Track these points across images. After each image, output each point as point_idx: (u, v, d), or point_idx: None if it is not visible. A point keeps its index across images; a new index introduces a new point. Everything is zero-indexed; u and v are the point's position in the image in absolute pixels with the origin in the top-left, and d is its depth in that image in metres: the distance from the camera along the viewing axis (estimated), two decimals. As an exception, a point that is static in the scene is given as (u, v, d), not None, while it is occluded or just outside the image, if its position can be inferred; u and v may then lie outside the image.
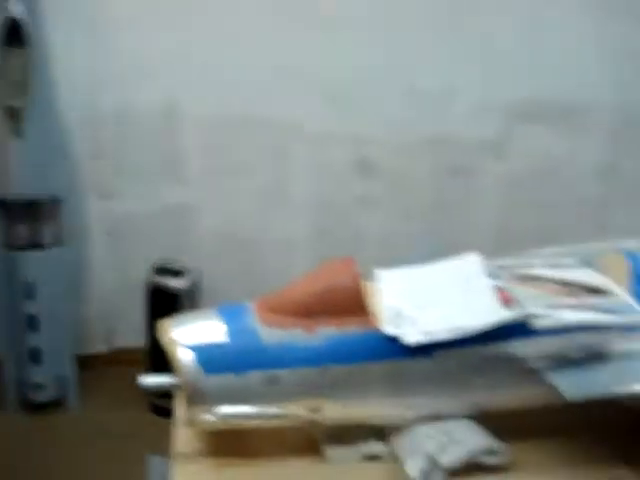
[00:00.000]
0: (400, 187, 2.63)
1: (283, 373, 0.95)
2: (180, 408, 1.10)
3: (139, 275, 2.56)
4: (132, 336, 2.70)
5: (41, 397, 2.46)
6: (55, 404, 2.49)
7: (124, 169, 2.52)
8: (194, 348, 0.95)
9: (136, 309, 2.61)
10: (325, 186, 2.61)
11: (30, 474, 2.19)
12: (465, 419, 1.03)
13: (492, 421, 1.02)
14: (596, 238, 2.56)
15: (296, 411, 0.97)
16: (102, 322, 2.70)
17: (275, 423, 0.98)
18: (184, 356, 0.94)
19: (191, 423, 0.98)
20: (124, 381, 2.62)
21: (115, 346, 2.73)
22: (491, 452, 1.00)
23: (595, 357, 1.05)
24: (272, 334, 0.96)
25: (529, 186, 2.70)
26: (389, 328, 0.97)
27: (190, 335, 0.97)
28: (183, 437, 1.07)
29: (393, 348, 0.96)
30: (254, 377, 0.94)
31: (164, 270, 2.45)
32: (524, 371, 1.01)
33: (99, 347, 2.72)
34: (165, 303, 2.40)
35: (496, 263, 1.15)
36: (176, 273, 2.43)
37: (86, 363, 2.61)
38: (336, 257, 1.02)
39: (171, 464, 1.35)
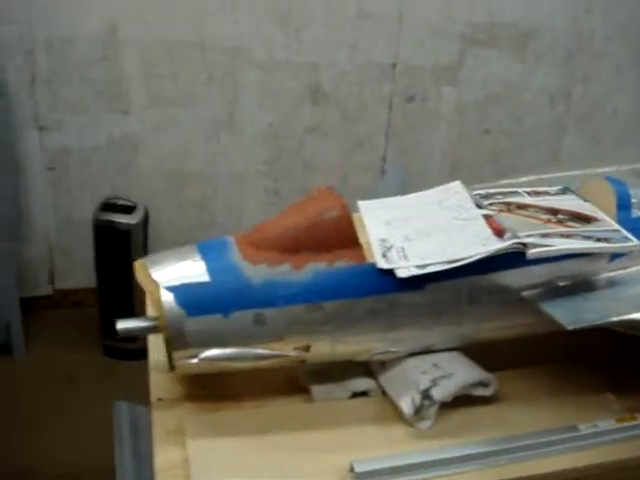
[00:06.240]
0: (352, 116, 2.56)
1: (270, 312, 0.89)
2: (155, 351, 1.04)
3: (82, 212, 2.45)
4: (77, 276, 2.61)
5: (-16, 344, 2.35)
6: (0, 350, 2.38)
7: (64, 100, 2.36)
8: (175, 289, 0.88)
9: (81, 248, 2.51)
10: (275, 115, 2.51)
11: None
12: (454, 351, 1.01)
13: (479, 351, 1.00)
14: (549, 164, 2.59)
15: (284, 351, 0.92)
16: (45, 263, 2.58)
17: (262, 364, 0.93)
18: (165, 298, 0.88)
19: (172, 367, 0.92)
20: (72, 323, 2.57)
21: (60, 287, 2.63)
22: (481, 384, 0.98)
23: (584, 285, 1.04)
24: (257, 271, 0.90)
25: (483, 112, 2.66)
26: (381, 262, 0.92)
27: (170, 275, 0.90)
28: (160, 382, 1.02)
29: (384, 282, 0.92)
30: (239, 317, 0.89)
31: (112, 206, 2.34)
32: (515, 301, 0.99)
33: (43, 289, 2.61)
34: (114, 241, 2.30)
35: (478, 192, 1.11)
36: (125, 209, 2.32)
37: (30, 306, 2.50)
38: (320, 186, 0.96)
39: (148, 410, 1.30)
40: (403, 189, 1.25)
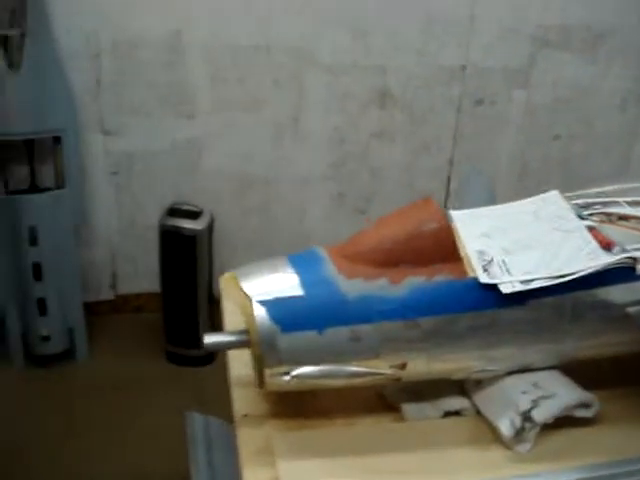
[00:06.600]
0: (419, 119, 2.50)
1: (366, 328, 0.85)
2: (236, 365, 1.01)
3: (145, 217, 2.45)
4: (138, 281, 2.60)
5: (48, 349, 2.35)
6: (63, 356, 2.38)
7: (128, 104, 2.36)
8: (268, 303, 0.84)
9: (143, 253, 2.50)
10: (342, 119, 2.47)
11: (42, 430, 2.10)
12: (553, 370, 0.95)
13: (579, 370, 0.95)
14: (620, 169, 2.50)
15: (379, 368, 0.88)
16: (108, 267, 2.58)
17: (356, 382, 0.89)
18: (257, 312, 0.84)
19: (261, 384, 0.88)
20: (133, 328, 2.57)
21: (122, 292, 2.63)
22: (583, 405, 0.93)
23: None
24: (353, 286, 0.86)
25: (553, 115, 2.59)
26: (482, 276, 0.88)
27: (262, 288, 0.86)
28: (243, 397, 0.98)
29: (486, 297, 0.87)
30: (334, 334, 0.85)
31: (177, 211, 2.33)
32: (619, 317, 0.93)
33: (106, 294, 2.61)
34: (180, 247, 2.28)
35: (575, 202, 1.06)
36: (190, 215, 2.31)
37: (93, 311, 2.51)
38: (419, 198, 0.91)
39: (223, 424, 1.27)
40: (492, 197, 1.21)
